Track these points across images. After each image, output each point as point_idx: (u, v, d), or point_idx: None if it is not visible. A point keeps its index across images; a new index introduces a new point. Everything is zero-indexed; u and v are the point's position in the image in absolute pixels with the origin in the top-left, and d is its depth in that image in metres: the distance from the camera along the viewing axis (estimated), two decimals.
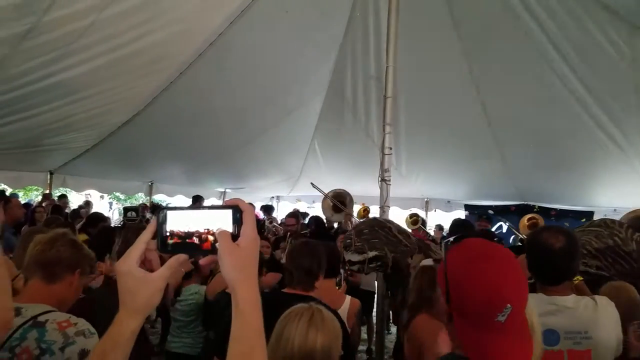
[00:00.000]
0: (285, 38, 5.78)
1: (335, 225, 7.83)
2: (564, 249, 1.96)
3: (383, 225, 3.99)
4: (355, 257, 3.51)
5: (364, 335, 5.28)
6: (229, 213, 0.89)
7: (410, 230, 4.67)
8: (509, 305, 1.12)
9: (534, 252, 2.11)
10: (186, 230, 0.89)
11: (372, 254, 3.55)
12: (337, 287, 3.06)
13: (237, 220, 0.88)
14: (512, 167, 7.90)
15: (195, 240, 0.89)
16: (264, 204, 12.04)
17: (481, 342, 1.15)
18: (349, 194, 6.74)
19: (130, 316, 0.91)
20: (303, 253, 2.58)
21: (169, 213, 0.90)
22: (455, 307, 1.20)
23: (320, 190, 6.24)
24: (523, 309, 1.19)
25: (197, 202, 9.78)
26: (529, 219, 7.64)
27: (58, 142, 6.47)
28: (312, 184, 6.50)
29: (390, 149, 4.41)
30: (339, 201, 6.46)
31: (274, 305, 1.70)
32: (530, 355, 1.18)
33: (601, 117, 5.77)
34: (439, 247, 4.17)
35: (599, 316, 1.94)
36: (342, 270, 3.12)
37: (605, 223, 4.03)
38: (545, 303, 1.98)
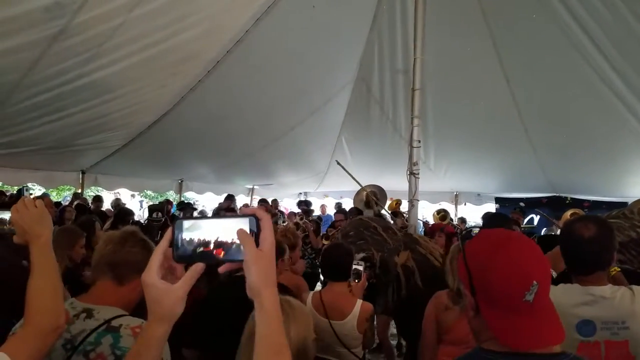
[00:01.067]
0: (312, 33, 5.76)
1: None
2: (593, 238, 1.93)
3: (368, 226, 4.11)
4: None
5: (393, 330, 5.22)
6: (246, 221, 0.89)
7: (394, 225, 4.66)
8: (535, 282, 1.13)
9: (565, 241, 2.09)
10: (203, 239, 0.90)
11: (359, 256, 3.55)
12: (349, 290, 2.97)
13: (256, 227, 0.89)
14: (544, 159, 7.73)
15: (212, 248, 0.90)
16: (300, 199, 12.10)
17: (513, 325, 1.14)
18: (380, 188, 6.75)
19: (158, 323, 0.99)
20: None
21: (185, 222, 0.91)
22: (482, 295, 1.19)
23: (345, 169, 6.28)
24: (548, 287, 1.19)
25: (228, 201, 10.12)
26: (571, 214, 7.51)
27: (90, 141, 6.59)
28: (337, 162, 6.56)
29: (419, 141, 4.37)
30: (370, 200, 6.51)
31: None
32: (562, 336, 1.17)
33: (635, 105, 5.58)
34: (427, 241, 4.26)
35: (637, 306, 1.88)
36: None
37: (624, 214, 3.91)
38: (581, 293, 1.95)
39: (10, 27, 3.37)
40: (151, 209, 7.05)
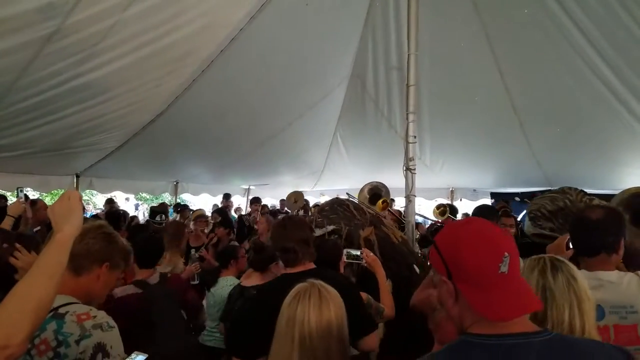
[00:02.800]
0: (306, 31, 5.77)
1: None
2: (600, 220, 2.06)
3: (342, 203, 4.61)
4: (317, 232, 3.77)
5: None
6: None
7: (370, 208, 4.97)
8: (506, 253, 1.17)
9: (572, 225, 2.22)
10: None
11: (330, 228, 3.95)
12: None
13: None
14: (539, 153, 7.76)
15: None
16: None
17: (495, 298, 1.17)
18: (384, 187, 6.79)
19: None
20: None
21: None
22: (458, 277, 1.23)
23: (353, 197, 6.45)
24: (518, 260, 1.24)
25: (227, 200, 10.43)
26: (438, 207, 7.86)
27: (85, 144, 6.55)
28: (347, 194, 6.71)
29: (415, 137, 4.37)
30: (375, 193, 6.61)
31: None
32: (538, 303, 1.23)
33: (628, 98, 5.62)
34: (392, 224, 4.61)
35: None
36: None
37: (562, 189, 4.20)
38: (589, 278, 1.97)
39: (3, 28, 3.34)
40: (154, 211, 6.93)
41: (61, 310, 1.71)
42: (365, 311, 2.38)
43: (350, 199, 6.57)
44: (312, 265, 2.44)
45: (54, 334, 1.66)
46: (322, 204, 5.35)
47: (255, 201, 9.81)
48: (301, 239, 2.41)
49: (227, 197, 10.76)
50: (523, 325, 1.19)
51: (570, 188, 4.15)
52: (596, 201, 4.06)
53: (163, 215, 6.85)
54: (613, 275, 2.01)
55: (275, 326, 1.69)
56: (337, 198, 4.93)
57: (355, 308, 2.12)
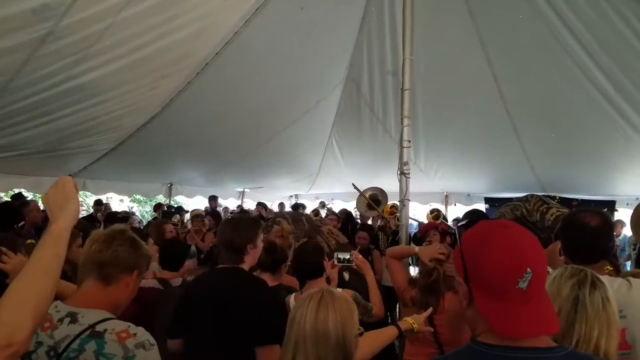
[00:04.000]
0: (301, 35, 5.77)
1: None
2: (599, 227, 2.03)
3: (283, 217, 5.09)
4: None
5: None
6: None
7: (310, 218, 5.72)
8: (529, 269, 1.11)
9: (569, 231, 2.15)
10: None
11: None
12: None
13: None
14: (532, 158, 7.78)
15: None
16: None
17: (505, 312, 1.13)
18: (382, 192, 6.85)
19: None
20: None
21: None
22: (475, 281, 1.19)
23: (358, 190, 6.52)
24: (543, 277, 1.18)
25: (212, 202, 10.42)
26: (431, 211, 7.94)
27: (79, 145, 6.54)
28: (353, 184, 6.78)
29: (409, 141, 4.37)
30: (373, 200, 6.67)
31: None
32: (556, 326, 1.16)
33: (621, 103, 5.63)
34: (331, 233, 4.95)
35: (635, 296, 1.93)
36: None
37: (526, 197, 4.27)
38: None
39: None
40: (167, 213, 6.80)
41: (99, 328, 1.62)
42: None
43: (356, 190, 6.78)
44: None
45: (94, 355, 1.57)
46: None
47: (261, 205, 9.96)
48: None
49: (213, 199, 10.85)
50: (537, 340, 1.15)
51: (532, 196, 4.27)
52: (553, 210, 4.11)
53: (178, 216, 6.70)
54: (603, 279, 1.99)
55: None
56: (279, 213, 5.40)
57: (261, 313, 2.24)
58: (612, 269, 2.50)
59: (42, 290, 1.21)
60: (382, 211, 7.17)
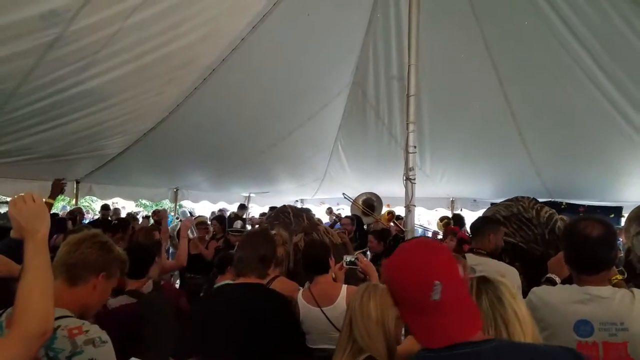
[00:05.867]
0: (307, 40, 5.80)
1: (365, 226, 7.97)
2: (602, 237, 1.97)
3: (284, 211, 5.42)
4: None
5: None
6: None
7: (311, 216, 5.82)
8: (437, 282, 1.19)
9: (571, 241, 2.10)
10: None
11: (272, 232, 4.28)
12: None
13: None
14: (539, 164, 7.76)
15: None
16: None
17: (425, 324, 1.23)
18: (377, 197, 6.84)
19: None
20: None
21: None
22: (397, 300, 1.30)
23: (350, 199, 6.51)
24: (457, 285, 1.26)
25: (242, 210, 10.88)
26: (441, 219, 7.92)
27: (85, 150, 6.58)
28: (344, 194, 6.79)
29: (415, 147, 4.37)
30: (368, 205, 6.69)
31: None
32: (473, 330, 1.23)
33: (626, 108, 5.62)
34: (327, 231, 5.07)
35: (638, 308, 1.88)
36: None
37: (516, 198, 4.35)
38: (578, 292, 1.98)
39: (6, 35, 3.36)
40: (231, 217, 6.76)
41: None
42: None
43: (346, 198, 6.86)
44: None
45: (44, 350, 1.61)
46: (269, 212, 6.32)
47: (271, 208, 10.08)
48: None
49: (243, 207, 11.40)
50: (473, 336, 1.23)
51: (523, 197, 4.37)
52: (546, 208, 4.18)
53: (241, 222, 6.61)
54: (605, 290, 1.95)
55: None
56: (284, 206, 5.67)
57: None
58: (621, 278, 2.46)
59: (51, 284, 1.44)
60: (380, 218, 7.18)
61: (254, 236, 2.87)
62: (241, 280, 2.64)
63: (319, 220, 7.41)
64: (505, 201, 4.59)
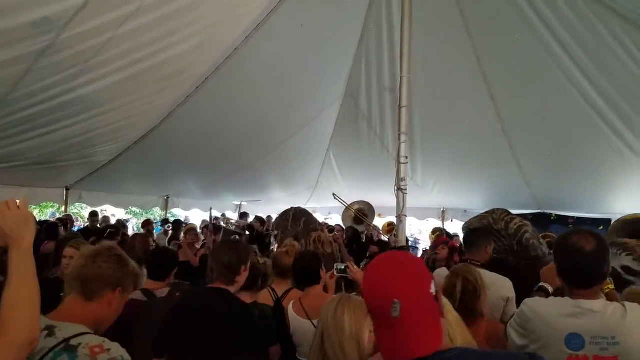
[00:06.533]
0: (300, 51, 5.82)
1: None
2: (595, 251, 1.95)
3: (287, 212, 5.98)
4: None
5: None
6: None
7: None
8: (396, 300, 1.21)
9: (563, 255, 2.08)
10: None
11: (275, 232, 5.08)
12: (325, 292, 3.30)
13: None
14: (529, 176, 7.83)
15: None
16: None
17: (387, 338, 1.26)
18: (369, 205, 6.83)
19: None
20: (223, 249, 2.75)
21: None
22: (369, 310, 1.35)
23: (342, 202, 6.49)
24: (418, 302, 1.26)
25: (243, 218, 10.85)
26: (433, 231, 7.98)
27: (76, 157, 6.54)
28: (334, 195, 6.72)
29: (406, 158, 4.39)
30: (360, 213, 6.67)
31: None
32: (433, 347, 1.24)
33: (615, 122, 5.70)
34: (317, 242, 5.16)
35: (629, 322, 1.87)
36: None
37: (492, 210, 4.44)
38: (569, 306, 1.97)
39: None
40: (227, 232, 6.74)
41: (73, 342, 1.62)
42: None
43: (336, 199, 6.88)
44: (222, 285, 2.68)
45: None
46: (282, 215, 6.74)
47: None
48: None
49: (245, 215, 11.33)
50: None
51: (497, 209, 4.46)
52: (517, 220, 4.26)
53: (237, 237, 6.61)
54: (596, 304, 1.94)
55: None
56: (290, 208, 5.97)
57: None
58: (613, 287, 2.47)
59: (37, 292, 1.42)
60: (375, 226, 7.16)
61: (219, 245, 2.94)
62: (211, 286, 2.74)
63: (326, 225, 7.36)
64: (481, 214, 4.68)
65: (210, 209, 7.81)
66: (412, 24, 4.37)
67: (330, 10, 5.37)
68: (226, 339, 2.47)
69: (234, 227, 9.10)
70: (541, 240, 4.36)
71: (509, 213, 4.43)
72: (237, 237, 6.48)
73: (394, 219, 8.83)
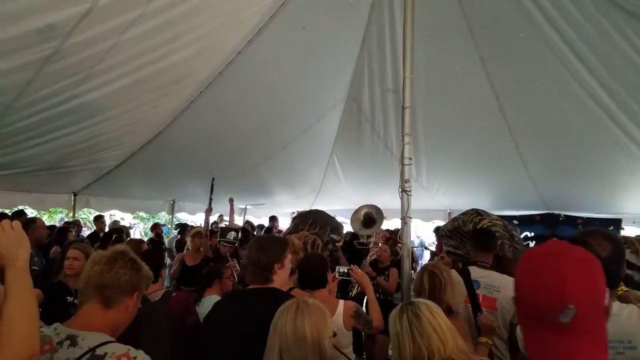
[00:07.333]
0: (302, 53, 5.83)
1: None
2: (611, 254, 1.88)
3: (306, 215, 6.24)
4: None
5: None
6: None
7: None
8: (571, 306, 1.07)
9: None
10: None
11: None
12: (331, 295, 3.31)
13: None
14: (536, 176, 7.77)
15: None
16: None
17: (544, 341, 1.11)
18: (378, 210, 6.76)
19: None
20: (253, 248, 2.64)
21: None
22: (521, 306, 1.18)
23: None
24: (596, 311, 1.12)
25: (273, 222, 10.87)
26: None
27: (82, 163, 6.59)
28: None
29: (410, 159, 4.38)
30: (368, 218, 6.59)
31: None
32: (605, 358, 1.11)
33: (624, 120, 5.64)
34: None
35: None
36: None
37: (466, 211, 4.45)
38: None
39: (3, 49, 3.39)
40: (224, 228, 6.70)
41: (99, 352, 1.63)
42: None
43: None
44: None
45: None
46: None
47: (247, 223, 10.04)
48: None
49: (274, 219, 11.22)
50: None
51: (470, 210, 4.46)
52: (485, 221, 4.23)
53: (235, 233, 6.48)
54: (612, 307, 1.86)
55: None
56: (310, 211, 6.17)
57: None
58: (626, 289, 2.43)
59: (34, 308, 1.45)
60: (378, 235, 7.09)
61: (251, 244, 2.79)
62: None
63: (345, 235, 7.35)
64: (456, 216, 4.71)
65: (221, 215, 7.80)
66: (414, 23, 4.37)
67: (332, 12, 5.37)
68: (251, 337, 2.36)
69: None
70: (517, 239, 4.33)
71: (479, 214, 4.39)
72: (235, 233, 6.38)
73: (392, 221, 8.83)
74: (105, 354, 1.62)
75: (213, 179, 7.95)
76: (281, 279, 2.57)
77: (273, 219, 11.22)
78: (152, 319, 2.85)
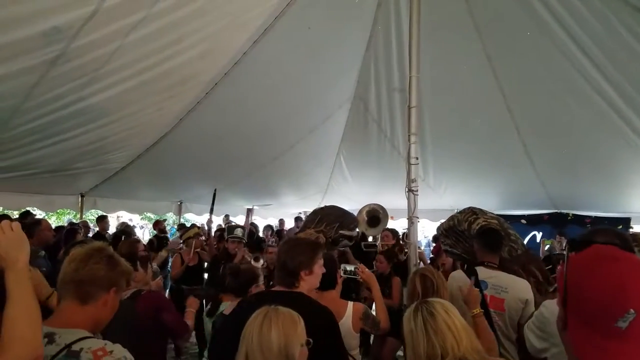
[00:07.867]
0: (308, 54, 5.81)
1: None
2: None
3: (318, 213, 5.79)
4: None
5: None
6: None
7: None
8: (632, 310, 1.04)
9: None
10: None
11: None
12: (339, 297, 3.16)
13: None
14: (544, 175, 7.72)
15: None
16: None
17: (598, 347, 1.08)
18: (382, 209, 6.73)
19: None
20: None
21: None
22: (573, 309, 1.14)
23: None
24: None
25: (297, 222, 11.01)
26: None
27: (89, 165, 6.61)
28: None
29: (417, 158, 4.36)
30: (373, 216, 6.54)
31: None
32: None
33: (632, 117, 5.58)
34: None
35: None
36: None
37: (462, 210, 4.39)
38: None
39: (9, 52, 3.39)
40: (231, 226, 6.71)
41: (75, 347, 1.62)
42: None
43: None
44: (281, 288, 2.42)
45: None
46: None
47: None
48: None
49: (299, 219, 11.26)
50: None
51: (466, 209, 4.41)
52: (480, 220, 4.18)
53: (240, 229, 6.38)
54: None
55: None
56: (322, 209, 5.85)
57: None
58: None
59: (36, 310, 1.45)
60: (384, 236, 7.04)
61: (282, 244, 2.65)
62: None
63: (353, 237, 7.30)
64: (453, 214, 4.64)
65: (227, 215, 7.79)
66: (420, 23, 4.35)
67: (338, 12, 5.35)
68: None
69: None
70: (513, 238, 4.29)
71: (474, 213, 4.35)
72: (242, 229, 6.40)
73: (399, 221, 8.80)
74: (81, 349, 1.61)
75: (215, 190, 7.96)
76: (309, 286, 2.42)
77: (298, 219, 11.36)
78: (121, 316, 2.81)
